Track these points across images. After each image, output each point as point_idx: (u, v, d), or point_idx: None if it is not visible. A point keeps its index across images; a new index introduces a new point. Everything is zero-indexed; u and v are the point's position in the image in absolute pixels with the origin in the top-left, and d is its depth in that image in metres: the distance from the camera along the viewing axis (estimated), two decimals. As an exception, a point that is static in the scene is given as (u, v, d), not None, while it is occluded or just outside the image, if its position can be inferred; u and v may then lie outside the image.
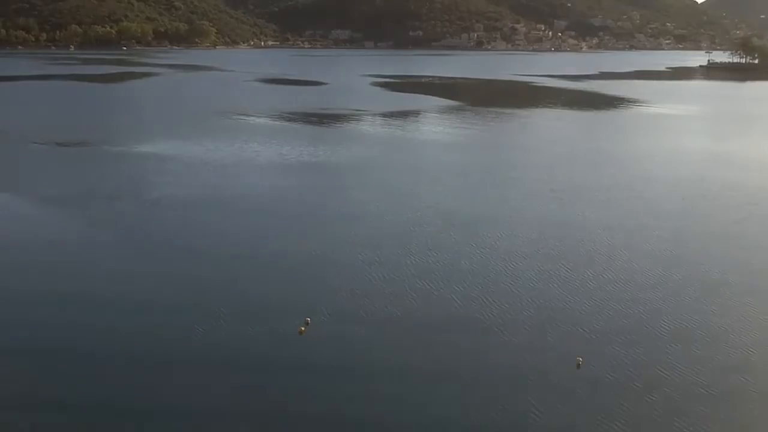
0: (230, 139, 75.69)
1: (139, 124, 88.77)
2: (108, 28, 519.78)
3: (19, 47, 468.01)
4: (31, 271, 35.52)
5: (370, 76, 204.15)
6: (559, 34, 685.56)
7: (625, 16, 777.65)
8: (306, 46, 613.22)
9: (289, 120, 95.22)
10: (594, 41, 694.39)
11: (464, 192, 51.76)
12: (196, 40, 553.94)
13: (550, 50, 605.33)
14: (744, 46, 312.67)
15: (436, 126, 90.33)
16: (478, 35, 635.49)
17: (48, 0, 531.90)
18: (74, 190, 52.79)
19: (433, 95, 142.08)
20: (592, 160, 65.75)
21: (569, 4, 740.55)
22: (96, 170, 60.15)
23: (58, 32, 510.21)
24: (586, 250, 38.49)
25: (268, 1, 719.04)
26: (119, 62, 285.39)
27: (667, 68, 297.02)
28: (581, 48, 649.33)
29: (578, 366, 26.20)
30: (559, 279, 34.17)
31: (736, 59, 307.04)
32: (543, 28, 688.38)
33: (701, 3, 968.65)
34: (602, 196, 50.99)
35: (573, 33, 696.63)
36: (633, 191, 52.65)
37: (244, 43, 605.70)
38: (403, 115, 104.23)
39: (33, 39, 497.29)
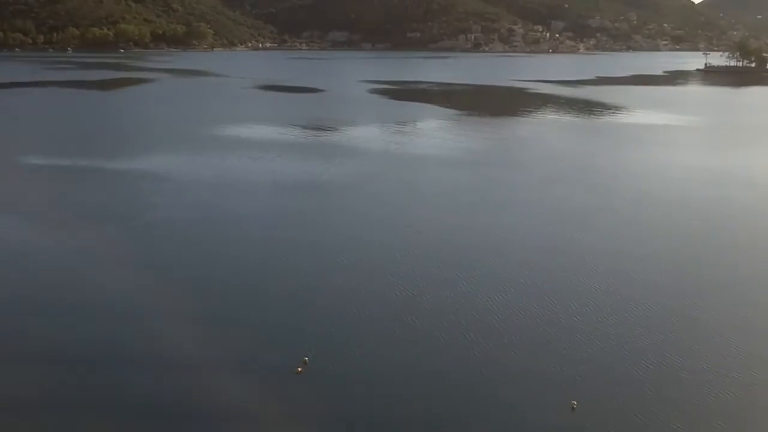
0: (224, 156, 75.85)
1: (132, 139, 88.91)
2: (105, 30, 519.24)
3: (17, 49, 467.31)
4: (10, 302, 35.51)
5: (368, 82, 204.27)
6: (557, 35, 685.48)
7: (622, 17, 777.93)
8: (303, 48, 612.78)
9: (285, 134, 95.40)
10: (591, 42, 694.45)
11: (458, 217, 51.89)
12: (194, 42, 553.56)
13: (548, 52, 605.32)
14: (741, 50, 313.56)
15: (433, 140, 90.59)
16: (475, 37, 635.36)
17: (45, 2, 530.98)
18: (62, 212, 52.73)
19: (430, 103, 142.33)
20: (587, 180, 65.99)
21: (566, 5, 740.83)
22: (85, 190, 60.08)
23: (55, 34, 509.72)
24: (580, 281, 38.67)
25: (265, 3, 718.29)
26: (116, 66, 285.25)
27: (665, 72, 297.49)
28: (578, 49, 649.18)
29: (572, 409, 26.50)
30: (553, 314, 34.35)
31: (732, 63, 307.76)
32: (540, 30, 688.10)
33: (698, 3, 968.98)
34: (596, 220, 51.20)
35: (570, 34, 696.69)
36: (627, 214, 52.89)
37: (241, 44, 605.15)
38: (401, 127, 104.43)
39: (30, 41, 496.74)
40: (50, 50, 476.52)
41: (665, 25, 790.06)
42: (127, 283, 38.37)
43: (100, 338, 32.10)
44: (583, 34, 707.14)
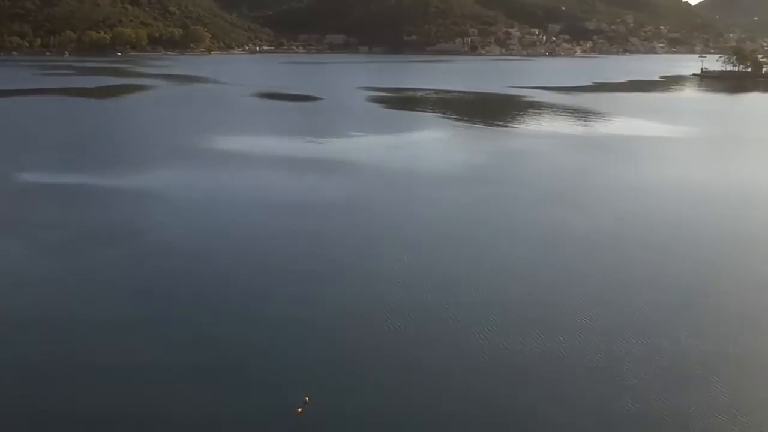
0: (218, 173, 76.17)
1: (126, 154, 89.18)
2: (102, 34, 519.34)
3: (14, 53, 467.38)
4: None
5: (365, 89, 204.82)
6: (553, 38, 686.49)
7: (619, 20, 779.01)
8: (301, 51, 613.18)
9: (282, 148, 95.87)
10: (588, 45, 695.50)
11: (455, 240, 52.31)
12: (191, 45, 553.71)
13: (544, 55, 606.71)
14: (737, 55, 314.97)
15: (428, 154, 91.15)
16: (472, 40, 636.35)
17: (42, 5, 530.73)
18: (53, 234, 52.80)
19: (427, 113, 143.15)
20: (582, 199, 66.44)
21: (563, 8, 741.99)
22: (78, 210, 60.07)
23: (52, 38, 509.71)
24: (575, 307, 39.03)
25: (262, 5, 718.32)
26: (113, 72, 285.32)
27: (661, 77, 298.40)
28: (575, 52, 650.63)
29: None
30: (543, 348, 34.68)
31: (728, 67, 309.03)
32: (537, 33, 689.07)
33: (695, 5, 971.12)
34: (589, 243, 51.65)
35: (567, 37, 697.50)
36: (624, 236, 53.34)
37: (238, 48, 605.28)
38: (397, 140, 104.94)
39: (28, 45, 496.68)
40: (47, 54, 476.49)
41: (662, 27, 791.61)
42: (109, 313, 38.31)
43: (84, 381, 31.96)
44: (580, 36, 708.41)
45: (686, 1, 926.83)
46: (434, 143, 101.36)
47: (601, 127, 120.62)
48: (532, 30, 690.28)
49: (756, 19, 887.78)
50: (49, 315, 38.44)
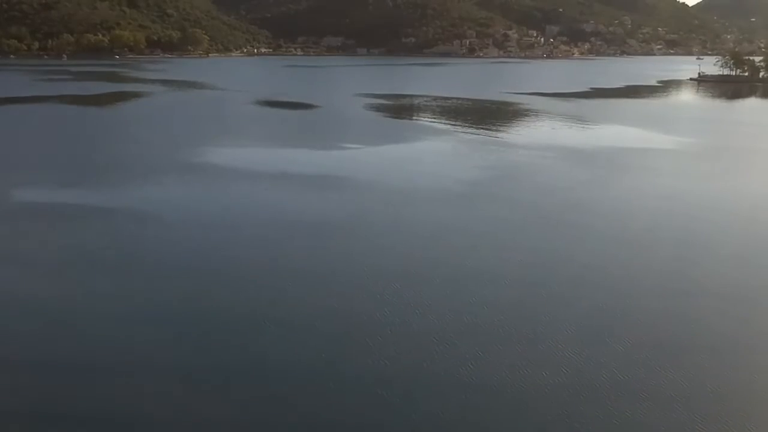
0: (214, 189, 76.18)
1: (120, 168, 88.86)
2: (100, 37, 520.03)
3: (11, 56, 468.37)
4: None
5: (363, 96, 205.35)
6: (551, 40, 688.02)
7: (616, 21, 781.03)
8: (299, 54, 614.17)
9: (279, 162, 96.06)
10: (586, 47, 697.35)
11: (440, 265, 52.47)
12: (189, 47, 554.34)
13: (542, 57, 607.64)
14: (734, 59, 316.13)
15: (425, 168, 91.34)
16: (470, 42, 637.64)
17: (40, 8, 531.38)
18: (41, 257, 52.72)
19: (425, 122, 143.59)
20: (578, 221, 66.58)
21: (561, 9, 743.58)
22: (69, 231, 59.95)
23: (50, 41, 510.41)
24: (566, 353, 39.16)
25: (260, 7, 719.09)
26: (111, 77, 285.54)
27: (658, 82, 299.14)
28: (573, 54, 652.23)
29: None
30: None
31: (726, 71, 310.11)
32: (535, 35, 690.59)
33: (692, 6, 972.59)
34: (583, 271, 51.78)
35: (565, 38, 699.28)
36: (617, 264, 53.46)
37: (237, 50, 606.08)
38: (395, 153, 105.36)
39: (25, 48, 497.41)
40: (45, 57, 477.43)
41: (659, 29, 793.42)
42: (100, 343, 38.57)
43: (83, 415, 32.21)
44: (577, 38, 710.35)
45: (683, 3, 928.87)
46: (430, 156, 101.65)
47: (598, 139, 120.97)
48: (530, 32, 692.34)
49: (753, 20, 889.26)
50: (38, 347, 38.39)
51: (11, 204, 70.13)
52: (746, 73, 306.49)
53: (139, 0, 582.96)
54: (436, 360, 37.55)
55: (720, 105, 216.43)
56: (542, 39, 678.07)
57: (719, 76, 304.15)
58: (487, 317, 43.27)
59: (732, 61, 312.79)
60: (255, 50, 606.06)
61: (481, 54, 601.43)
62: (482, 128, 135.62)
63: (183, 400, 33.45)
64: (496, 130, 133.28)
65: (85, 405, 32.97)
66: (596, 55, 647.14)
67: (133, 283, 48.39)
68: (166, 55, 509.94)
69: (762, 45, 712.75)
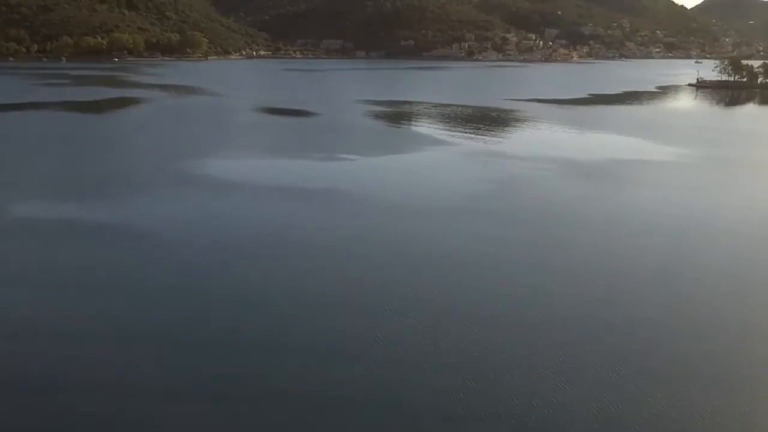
0: (209, 205, 75.81)
1: (118, 181, 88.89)
2: (99, 39, 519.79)
3: (11, 59, 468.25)
4: None
5: (363, 102, 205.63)
6: (550, 43, 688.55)
7: (615, 24, 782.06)
8: (298, 56, 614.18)
9: (277, 175, 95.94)
10: (584, 50, 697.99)
11: (453, 286, 52.41)
12: (188, 50, 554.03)
13: (541, 60, 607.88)
14: (733, 65, 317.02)
15: (422, 180, 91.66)
16: (469, 45, 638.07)
17: (39, 11, 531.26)
18: (32, 273, 52.53)
19: (424, 131, 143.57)
20: (574, 237, 66.60)
21: (559, 12, 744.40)
22: (60, 250, 59.60)
23: (49, 43, 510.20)
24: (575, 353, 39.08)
25: (259, 10, 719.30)
26: (109, 81, 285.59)
27: (656, 88, 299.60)
28: (572, 57, 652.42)
29: None
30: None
31: (725, 77, 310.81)
32: (534, 38, 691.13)
33: (691, 9, 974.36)
34: (582, 290, 51.73)
35: (563, 42, 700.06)
36: (616, 285, 53.43)
37: (236, 53, 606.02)
38: (393, 164, 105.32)
39: (24, 50, 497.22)
40: (44, 59, 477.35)
41: (658, 32, 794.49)
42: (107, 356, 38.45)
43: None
44: (576, 41, 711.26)
45: (682, 6, 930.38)
46: (429, 170, 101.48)
47: (597, 150, 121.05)
48: (529, 35, 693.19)
49: (751, 23, 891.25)
50: (39, 370, 38.26)
51: (5, 219, 69.78)
52: (744, 79, 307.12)
53: (138, 2, 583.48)
54: (430, 382, 37.53)
55: (719, 112, 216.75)
56: (541, 42, 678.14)
57: (718, 81, 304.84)
58: (486, 334, 43.21)
59: (730, 67, 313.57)
60: (254, 53, 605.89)
61: (480, 57, 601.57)
62: (481, 138, 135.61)
63: (175, 418, 33.56)
64: (495, 140, 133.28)
65: (83, 422, 33.34)
66: (595, 58, 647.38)
67: (127, 299, 48.14)
68: (165, 58, 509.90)
69: (761, 48, 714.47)
